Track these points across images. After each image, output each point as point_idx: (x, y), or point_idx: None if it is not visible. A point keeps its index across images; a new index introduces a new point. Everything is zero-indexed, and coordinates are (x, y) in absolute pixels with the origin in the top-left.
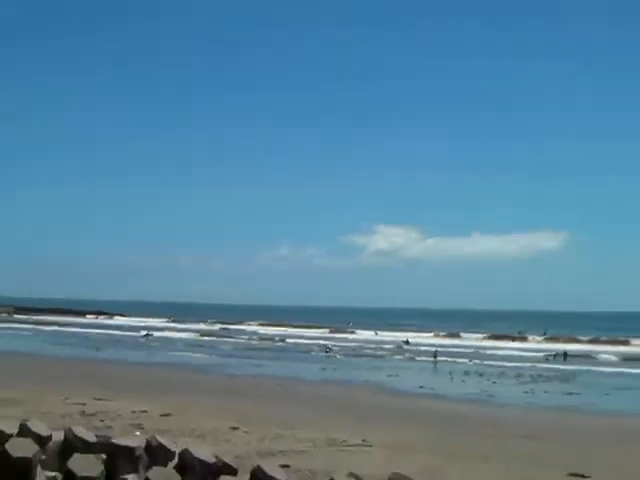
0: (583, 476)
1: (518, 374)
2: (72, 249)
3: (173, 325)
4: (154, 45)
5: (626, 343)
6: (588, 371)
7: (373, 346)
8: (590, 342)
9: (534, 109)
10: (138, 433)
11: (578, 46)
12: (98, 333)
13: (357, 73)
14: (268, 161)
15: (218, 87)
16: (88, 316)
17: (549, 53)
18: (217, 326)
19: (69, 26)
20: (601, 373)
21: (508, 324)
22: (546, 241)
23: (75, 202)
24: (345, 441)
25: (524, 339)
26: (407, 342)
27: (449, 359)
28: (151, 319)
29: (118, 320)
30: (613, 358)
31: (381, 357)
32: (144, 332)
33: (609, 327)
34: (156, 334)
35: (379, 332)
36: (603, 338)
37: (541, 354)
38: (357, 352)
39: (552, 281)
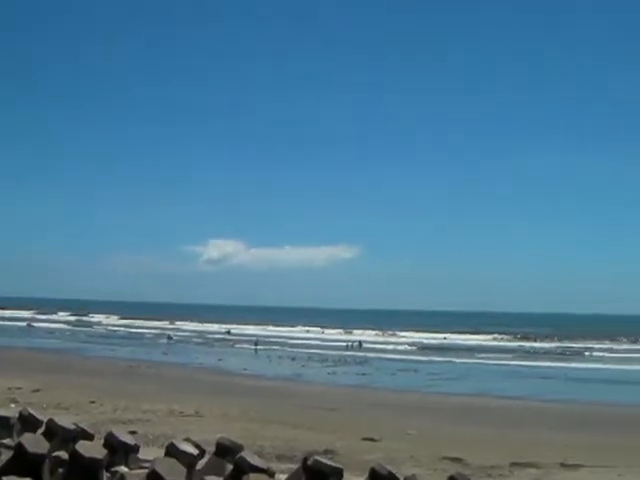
0: (373, 439)
1: (323, 359)
2: None
3: (39, 317)
4: None
5: (394, 335)
6: (378, 357)
7: (204, 335)
8: (378, 335)
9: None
10: (13, 405)
11: None
12: None
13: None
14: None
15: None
16: None
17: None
18: (74, 317)
19: None
20: (388, 359)
21: (314, 318)
22: (343, 253)
23: None
24: (182, 412)
25: (324, 332)
26: (229, 332)
27: (267, 347)
28: (18, 311)
29: None
30: (397, 347)
31: (209, 344)
32: (26, 323)
33: (387, 321)
34: (25, 323)
35: (206, 324)
36: (388, 331)
37: (341, 343)
38: (189, 340)
39: (347, 284)
